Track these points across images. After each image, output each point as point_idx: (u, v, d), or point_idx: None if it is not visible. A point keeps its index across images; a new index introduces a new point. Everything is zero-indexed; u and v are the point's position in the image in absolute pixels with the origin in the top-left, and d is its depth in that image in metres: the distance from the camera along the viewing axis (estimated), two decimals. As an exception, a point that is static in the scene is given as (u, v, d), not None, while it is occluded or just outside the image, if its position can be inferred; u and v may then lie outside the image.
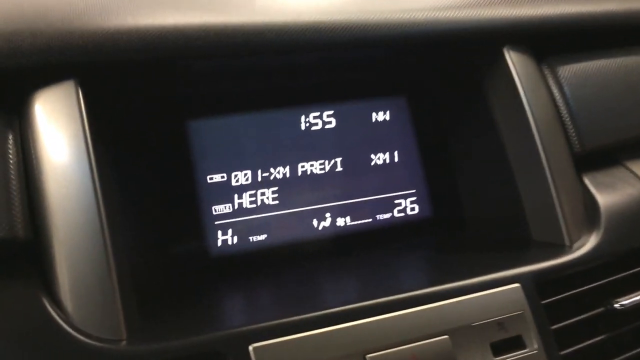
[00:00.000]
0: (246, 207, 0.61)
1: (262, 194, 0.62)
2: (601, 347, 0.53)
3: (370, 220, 0.66)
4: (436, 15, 0.54)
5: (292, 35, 0.51)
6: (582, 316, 0.52)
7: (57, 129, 0.43)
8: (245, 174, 0.62)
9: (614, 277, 0.53)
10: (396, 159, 0.69)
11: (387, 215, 0.68)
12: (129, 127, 0.56)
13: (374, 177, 0.67)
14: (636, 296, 0.54)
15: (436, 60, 0.67)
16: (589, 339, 0.52)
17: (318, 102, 0.66)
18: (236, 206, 0.61)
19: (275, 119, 0.64)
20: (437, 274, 0.55)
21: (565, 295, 0.52)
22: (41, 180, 0.42)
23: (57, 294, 0.41)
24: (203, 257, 0.60)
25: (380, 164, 0.68)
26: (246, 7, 0.51)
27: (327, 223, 0.64)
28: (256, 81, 0.63)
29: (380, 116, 0.68)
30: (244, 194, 0.61)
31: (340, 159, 0.66)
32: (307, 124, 0.65)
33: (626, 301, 0.53)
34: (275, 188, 0.63)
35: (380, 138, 0.68)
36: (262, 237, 0.61)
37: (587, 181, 0.61)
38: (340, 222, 0.65)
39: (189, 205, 0.59)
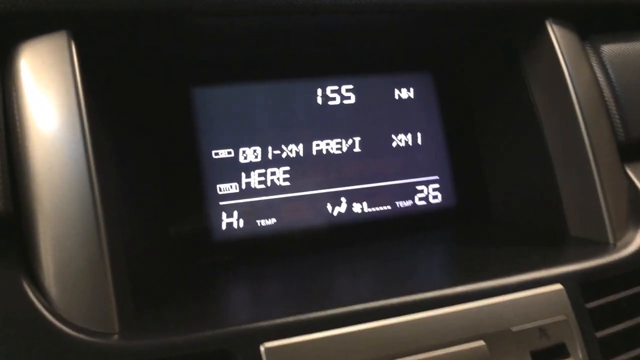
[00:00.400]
0: (254, 188, 0.58)
1: (273, 173, 0.59)
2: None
3: (389, 207, 0.63)
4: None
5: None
6: (630, 323, 0.47)
7: (46, 87, 0.39)
8: (255, 151, 0.58)
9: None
10: (419, 141, 0.65)
11: (408, 203, 0.64)
12: (127, 91, 0.53)
13: (394, 160, 0.64)
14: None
15: (469, 32, 0.63)
16: (633, 348, 0.48)
17: (337, 74, 0.62)
18: (243, 186, 0.57)
19: (289, 90, 0.60)
20: (467, 270, 0.50)
21: (611, 299, 0.47)
22: (25, 145, 0.38)
23: (40, 277, 0.37)
24: (206, 241, 0.56)
25: (401, 146, 0.64)
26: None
27: (342, 209, 0.61)
28: (270, 46, 0.59)
29: (404, 93, 0.65)
30: (252, 173, 0.58)
31: (359, 138, 0.62)
32: (324, 98, 0.61)
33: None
34: (287, 168, 0.59)
35: (403, 117, 0.64)
36: (271, 221, 0.58)
37: (630, 173, 0.57)
38: (356, 208, 0.62)
39: (192, 182, 0.56)
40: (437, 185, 0.65)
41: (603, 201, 0.52)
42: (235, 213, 0.57)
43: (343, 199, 0.61)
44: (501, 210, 0.65)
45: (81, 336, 0.35)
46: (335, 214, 0.60)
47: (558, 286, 0.45)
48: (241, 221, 0.57)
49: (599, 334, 0.45)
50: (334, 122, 0.61)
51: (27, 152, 0.38)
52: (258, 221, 0.57)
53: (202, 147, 0.56)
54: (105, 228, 0.38)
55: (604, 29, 0.60)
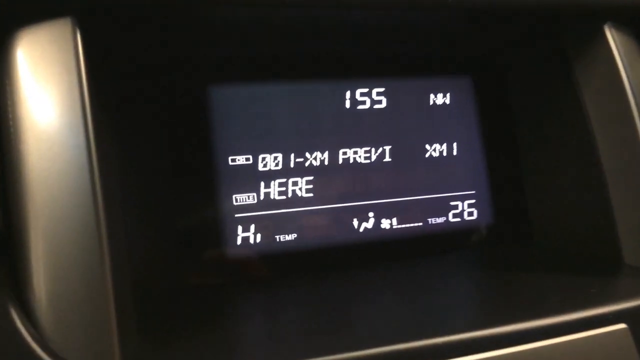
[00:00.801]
0: (274, 199, 0.55)
1: (294, 183, 0.56)
2: None
3: (420, 223, 0.60)
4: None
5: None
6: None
7: (45, 82, 0.35)
8: (275, 158, 0.55)
9: None
10: (455, 152, 0.61)
11: (441, 220, 0.61)
12: (136, 89, 0.51)
13: (427, 171, 0.60)
14: None
15: (516, 34, 0.59)
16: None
17: (367, 75, 0.59)
18: (262, 196, 0.55)
19: (315, 92, 0.57)
20: (510, 304, 0.45)
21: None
22: (19, 149, 0.35)
23: (30, 303, 0.33)
24: (219, 258, 0.53)
25: (435, 157, 0.61)
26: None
27: (369, 224, 0.58)
28: (295, 43, 0.55)
29: (440, 99, 0.61)
30: (272, 183, 0.55)
31: (390, 147, 0.59)
32: (353, 102, 0.58)
33: None
34: (310, 177, 0.56)
35: (438, 125, 0.61)
36: (291, 237, 0.55)
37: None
38: (385, 224, 0.58)
39: (205, 192, 0.53)
40: (473, 201, 0.62)
41: (667, 227, 0.48)
42: (253, 227, 0.54)
43: (371, 214, 0.58)
44: (543, 232, 0.61)
45: (76, 377, 0.31)
46: (361, 230, 0.57)
47: (622, 326, 0.41)
48: (258, 236, 0.54)
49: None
50: (363, 128, 0.58)
51: (21, 157, 0.34)
52: (277, 236, 0.55)
53: (218, 152, 0.53)
54: (109, 247, 0.34)
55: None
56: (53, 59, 0.36)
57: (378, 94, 0.59)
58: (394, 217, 0.58)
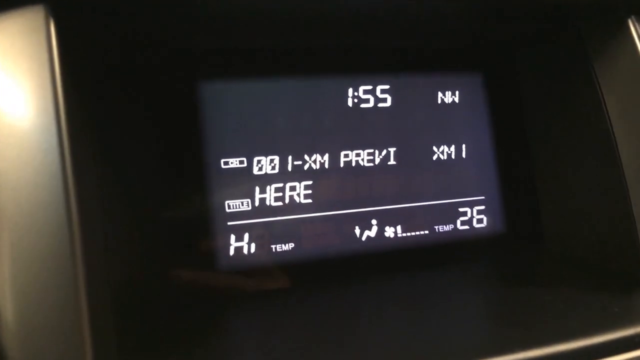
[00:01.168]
0: (270, 205, 0.53)
1: (292, 188, 0.54)
2: None
3: (426, 232, 0.58)
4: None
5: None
6: None
7: (14, 75, 0.33)
8: (271, 161, 0.53)
9: None
10: (464, 155, 0.59)
11: (448, 227, 0.58)
12: (119, 85, 0.48)
13: (435, 176, 0.58)
14: None
15: (531, 27, 0.57)
16: None
17: (371, 71, 0.57)
18: (257, 202, 0.53)
19: (315, 88, 0.55)
20: (526, 324, 0.42)
21: None
22: None
23: None
24: (209, 270, 0.51)
25: (443, 160, 0.59)
26: None
27: (372, 233, 0.56)
28: (293, 35, 0.53)
29: (448, 97, 0.59)
30: (268, 188, 0.53)
31: (394, 149, 0.57)
32: (356, 100, 0.56)
33: None
34: (309, 182, 0.54)
35: (446, 125, 0.59)
36: (289, 246, 0.53)
37: None
38: (389, 232, 0.56)
39: (194, 197, 0.51)
40: (482, 207, 0.60)
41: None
42: (246, 236, 0.52)
43: (374, 221, 0.56)
44: (557, 241, 0.59)
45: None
46: (364, 238, 0.56)
47: (652, 350, 0.38)
48: (253, 246, 0.52)
49: None
50: (366, 128, 0.56)
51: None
52: (273, 246, 0.53)
53: (209, 154, 0.51)
54: (84, 257, 0.32)
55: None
56: (23, 51, 0.33)
57: (382, 91, 0.57)
58: (398, 224, 0.56)
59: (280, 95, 0.53)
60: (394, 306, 0.48)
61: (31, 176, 0.32)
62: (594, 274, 0.53)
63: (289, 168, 0.53)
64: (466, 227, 0.59)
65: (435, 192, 0.58)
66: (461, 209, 0.58)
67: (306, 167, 0.54)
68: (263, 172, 0.52)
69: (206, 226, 0.50)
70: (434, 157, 0.58)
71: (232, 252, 0.51)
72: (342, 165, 0.55)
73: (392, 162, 0.56)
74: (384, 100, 0.56)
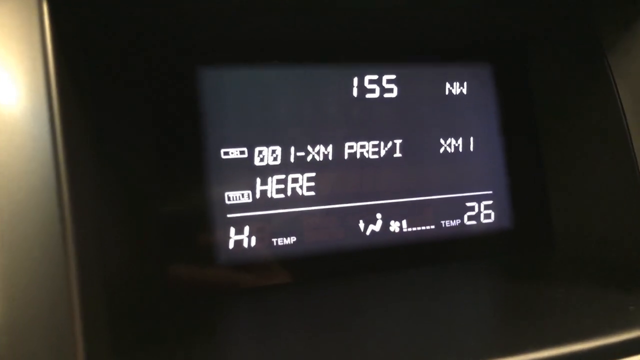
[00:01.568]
0: (271, 198, 0.52)
1: (294, 180, 0.53)
2: None
3: (433, 227, 0.57)
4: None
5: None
6: None
7: (5, 58, 0.32)
8: (273, 151, 0.53)
9: None
10: (471, 148, 0.59)
11: (455, 222, 0.58)
12: (116, 70, 0.47)
13: (441, 169, 0.58)
14: None
15: (545, 19, 0.56)
16: None
17: (377, 61, 0.56)
18: (258, 194, 0.52)
19: (319, 77, 0.54)
20: (534, 322, 0.41)
21: None
22: None
23: None
24: (208, 264, 0.50)
25: (450, 153, 0.58)
26: None
27: (377, 227, 0.55)
28: (296, 21, 0.51)
29: (456, 88, 0.59)
30: (269, 179, 0.52)
31: (400, 141, 0.56)
32: (361, 90, 0.55)
33: None
34: (312, 174, 0.53)
35: (454, 117, 0.58)
36: (290, 240, 0.53)
37: None
38: (394, 226, 0.56)
39: (193, 189, 0.50)
40: (490, 202, 0.59)
41: None
42: (247, 229, 0.51)
43: (379, 215, 0.55)
44: (567, 237, 0.58)
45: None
46: (368, 233, 0.55)
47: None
48: (253, 239, 0.51)
49: None
50: (372, 119, 0.56)
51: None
52: (274, 240, 0.52)
53: (209, 144, 0.50)
54: (76, 246, 0.31)
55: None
56: (14, 33, 0.32)
57: (388, 81, 0.56)
58: (404, 219, 0.56)
59: (283, 83, 0.53)
60: (398, 304, 0.48)
61: (22, 163, 0.31)
62: (606, 271, 0.52)
63: (292, 159, 0.53)
64: (473, 222, 0.58)
65: (441, 186, 0.57)
66: (468, 204, 0.58)
67: (309, 158, 0.53)
68: (264, 163, 0.52)
69: (205, 219, 0.50)
70: (441, 150, 0.57)
71: (231, 245, 0.50)
72: (346, 157, 0.54)
73: (397, 154, 0.56)
74: (390, 90, 0.56)
